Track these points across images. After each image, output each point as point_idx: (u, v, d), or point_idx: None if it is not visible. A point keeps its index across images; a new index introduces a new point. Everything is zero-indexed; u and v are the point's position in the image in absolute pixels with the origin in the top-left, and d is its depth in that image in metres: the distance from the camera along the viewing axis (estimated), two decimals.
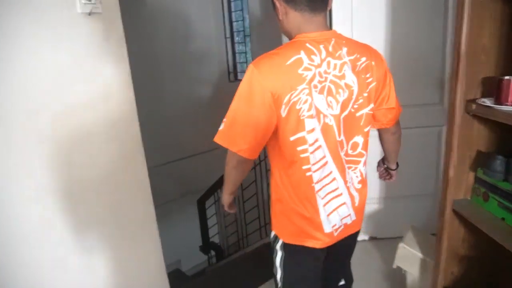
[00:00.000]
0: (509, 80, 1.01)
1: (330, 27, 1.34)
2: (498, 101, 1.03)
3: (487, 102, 1.07)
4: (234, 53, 4.27)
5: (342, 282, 1.34)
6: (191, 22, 3.97)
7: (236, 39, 4.23)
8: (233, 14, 4.20)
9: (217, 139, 0.95)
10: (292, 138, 0.94)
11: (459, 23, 1.10)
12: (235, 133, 0.93)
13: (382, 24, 1.95)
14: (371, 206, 2.26)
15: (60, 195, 1.18)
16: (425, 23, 1.95)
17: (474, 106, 1.12)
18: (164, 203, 4.18)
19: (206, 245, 3.48)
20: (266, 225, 2.95)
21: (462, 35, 1.10)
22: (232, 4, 4.16)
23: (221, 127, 0.94)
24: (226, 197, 1.17)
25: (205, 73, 4.22)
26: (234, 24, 4.21)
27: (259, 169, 2.83)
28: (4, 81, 1.04)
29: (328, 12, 1.05)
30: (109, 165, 1.29)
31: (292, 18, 0.96)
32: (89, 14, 1.16)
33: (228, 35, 4.20)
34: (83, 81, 1.19)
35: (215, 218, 3.58)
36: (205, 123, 4.27)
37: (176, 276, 4.20)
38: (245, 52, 4.14)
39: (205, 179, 3.74)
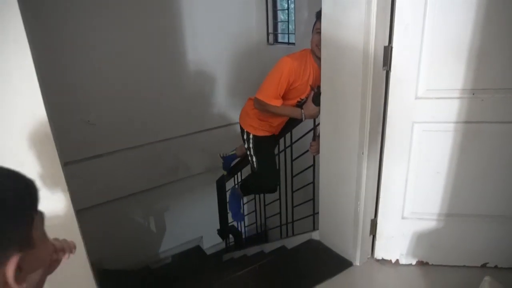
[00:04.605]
0: None
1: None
2: None
3: None
4: (275, 10, 3.62)
5: None
6: None
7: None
8: None
9: None
10: None
11: None
12: None
13: None
14: (426, 222, 1.65)
15: None
16: None
17: None
18: (188, 177, 3.87)
19: (224, 231, 3.11)
20: (287, 224, 2.46)
21: None
22: None
23: None
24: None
25: (242, 34, 3.67)
26: None
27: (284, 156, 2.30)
28: None
29: None
30: None
31: None
32: None
33: None
34: None
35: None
36: (235, 94, 3.81)
37: (195, 254, 3.96)
38: (287, 8, 3.48)
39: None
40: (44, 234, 0.51)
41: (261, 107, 1.94)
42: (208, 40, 3.42)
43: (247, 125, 2.16)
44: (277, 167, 2.28)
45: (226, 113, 3.65)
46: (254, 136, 2.13)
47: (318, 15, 1.79)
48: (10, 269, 0.44)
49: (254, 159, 2.16)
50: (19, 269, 0.45)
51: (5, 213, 0.44)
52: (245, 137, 2.18)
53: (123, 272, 3.52)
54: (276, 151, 2.31)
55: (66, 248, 0.60)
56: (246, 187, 2.45)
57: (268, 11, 3.60)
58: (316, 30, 1.80)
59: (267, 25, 3.64)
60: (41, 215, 0.51)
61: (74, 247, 0.61)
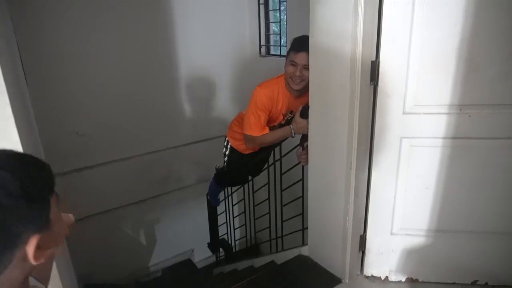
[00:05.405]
0: None
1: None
2: None
3: None
4: (267, 22, 3.64)
5: None
6: None
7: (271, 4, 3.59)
8: None
9: None
10: None
11: None
12: None
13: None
14: (415, 238, 1.63)
15: None
16: None
17: None
18: (179, 188, 3.83)
19: (214, 244, 3.06)
20: (277, 238, 2.42)
21: None
22: None
23: None
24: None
25: (235, 45, 3.67)
26: None
27: (273, 169, 2.28)
28: None
29: None
30: None
31: None
32: None
33: (262, 0, 3.57)
34: None
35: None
36: (227, 106, 3.79)
37: (186, 268, 3.90)
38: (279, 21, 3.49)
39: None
40: (59, 213, 0.55)
41: (253, 143, 1.96)
42: (201, 52, 3.43)
43: (230, 136, 2.29)
44: (243, 176, 2.47)
45: (217, 125, 3.63)
46: (231, 146, 2.27)
47: (293, 45, 1.76)
48: (31, 249, 0.49)
49: (225, 159, 2.36)
50: (38, 248, 0.50)
51: (25, 199, 0.48)
52: (225, 143, 2.34)
53: (111, 286, 3.45)
54: (265, 165, 2.31)
55: (71, 223, 0.63)
56: (219, 173, 2.61)
57: (260, 23, 3.61)
58: (291, 62, 1.76)
59: (259, 37, 3.65)
60: (56, 195, 0.54)
61: (73, 220, 0.64)
